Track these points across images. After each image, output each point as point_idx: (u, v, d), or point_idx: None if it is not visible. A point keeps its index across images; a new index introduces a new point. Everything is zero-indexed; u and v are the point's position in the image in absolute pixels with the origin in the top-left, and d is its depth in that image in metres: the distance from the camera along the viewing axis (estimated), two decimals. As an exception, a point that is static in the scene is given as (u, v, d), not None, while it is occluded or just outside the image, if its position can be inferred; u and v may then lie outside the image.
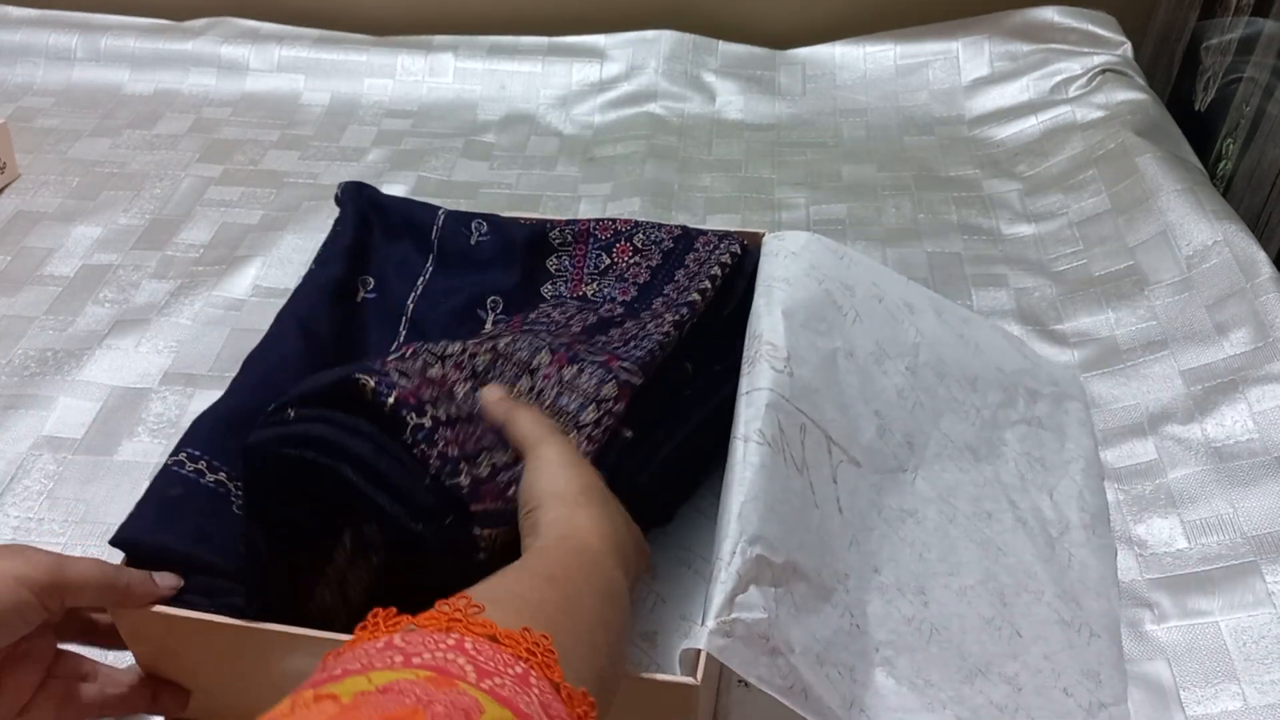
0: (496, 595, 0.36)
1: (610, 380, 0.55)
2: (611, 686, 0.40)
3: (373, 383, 0.50)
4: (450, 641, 0.31)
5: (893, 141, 0.99)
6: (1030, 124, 0.98)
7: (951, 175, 0.94)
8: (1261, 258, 0.74)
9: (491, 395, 0.54)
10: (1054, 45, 1.02)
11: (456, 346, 0.57)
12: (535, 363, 0.57)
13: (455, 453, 0.50)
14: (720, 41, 1.07)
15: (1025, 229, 0.87)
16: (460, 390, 0.55)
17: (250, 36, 1.08)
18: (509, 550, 0.47)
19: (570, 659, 0.34)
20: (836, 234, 0.87)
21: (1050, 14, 1.04)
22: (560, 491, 0.47)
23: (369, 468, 0.47)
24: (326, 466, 0.47)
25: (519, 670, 0.31)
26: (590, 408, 0.54)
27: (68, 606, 0.46)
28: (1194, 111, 0.98)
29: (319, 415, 0.49)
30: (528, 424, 0.51)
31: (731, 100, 1.04)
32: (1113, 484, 0.64)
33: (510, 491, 0.50)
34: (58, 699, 0.47)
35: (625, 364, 0.56)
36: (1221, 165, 0.92)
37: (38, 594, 0.44)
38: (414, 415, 0.50)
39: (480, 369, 0.57)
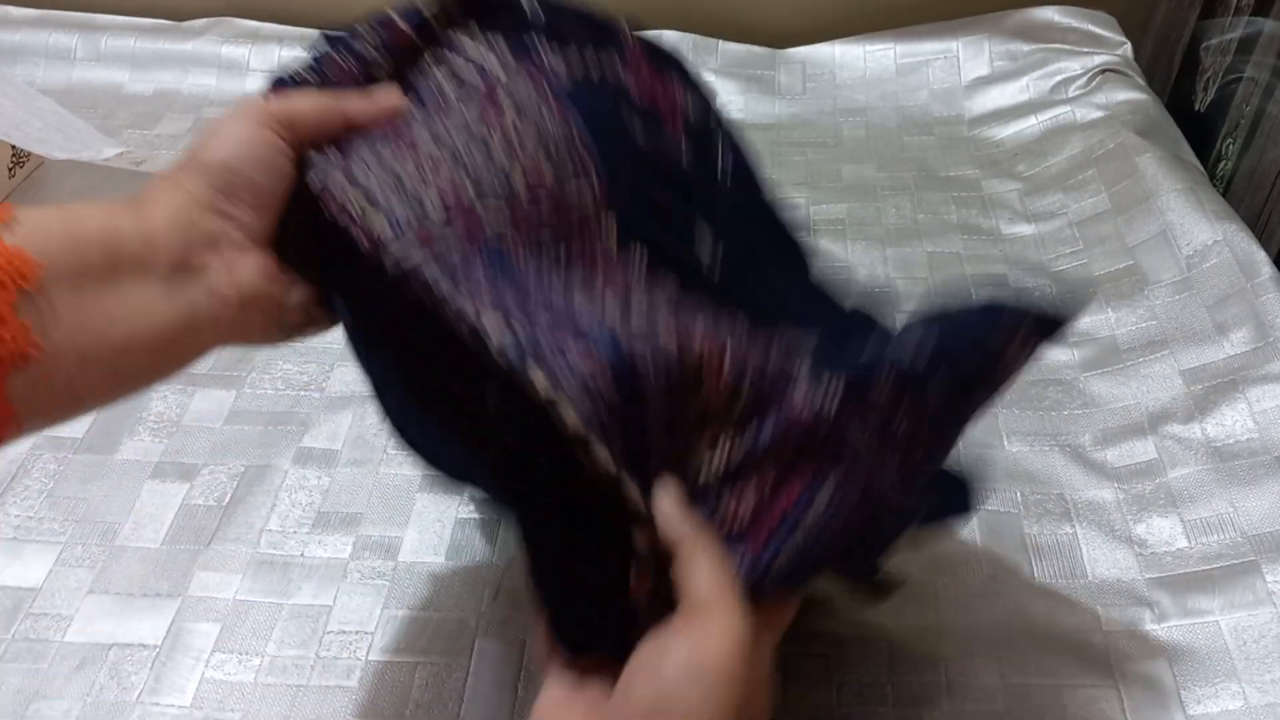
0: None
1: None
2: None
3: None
4: None
5: (893, 141, 0.99)
6: (1030, 124, 0.98)
7: (951, 175, 0.94)
8: (1261, 257, 0.74)
9: (668, 501, 0.38)
10: (1054, 45, 1.02)
11: None
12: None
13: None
14: (720, 41, 1.07)
15: (1025, 229, 0.87)
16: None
17: (250, 37, 1.08)
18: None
19: None
20: (836, 234, 0.87)
21: (1050, 14, 1.04)
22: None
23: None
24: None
25: None
26: None
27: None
28: (1194, 111, 0.98)
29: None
30: (705, 573, 0.36)
31: (731, 100, 1.04)
32: (1113, 483, 0.64)
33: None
34: None
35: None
36: (1221, 165, 0.92)
37: (274, 128, 0.41)
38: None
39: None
